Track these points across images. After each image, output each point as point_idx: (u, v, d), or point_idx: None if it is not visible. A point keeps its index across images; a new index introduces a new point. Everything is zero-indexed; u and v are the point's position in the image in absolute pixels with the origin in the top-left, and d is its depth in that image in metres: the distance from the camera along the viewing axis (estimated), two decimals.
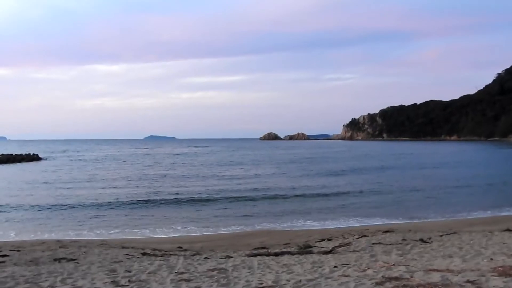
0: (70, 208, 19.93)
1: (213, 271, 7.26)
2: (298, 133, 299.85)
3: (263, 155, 74.42)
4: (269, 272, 6.96)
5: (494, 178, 32.92)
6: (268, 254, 9.44)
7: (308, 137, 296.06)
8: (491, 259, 7.82)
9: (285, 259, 8.71)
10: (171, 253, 10.68)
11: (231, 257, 9.41)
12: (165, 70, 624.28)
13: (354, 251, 9.82)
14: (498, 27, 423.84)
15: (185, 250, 11.59)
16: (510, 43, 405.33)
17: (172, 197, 23.10)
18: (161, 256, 9.84)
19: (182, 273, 7.16)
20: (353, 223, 16.57)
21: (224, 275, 6.78)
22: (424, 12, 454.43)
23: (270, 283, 6.02)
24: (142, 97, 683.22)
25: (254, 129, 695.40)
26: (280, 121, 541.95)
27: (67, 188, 27.53)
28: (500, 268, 6.02)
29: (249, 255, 9.41)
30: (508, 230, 12.48)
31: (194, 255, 10.20)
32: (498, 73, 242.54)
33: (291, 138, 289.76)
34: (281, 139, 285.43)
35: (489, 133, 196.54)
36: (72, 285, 6.29)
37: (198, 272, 7.17)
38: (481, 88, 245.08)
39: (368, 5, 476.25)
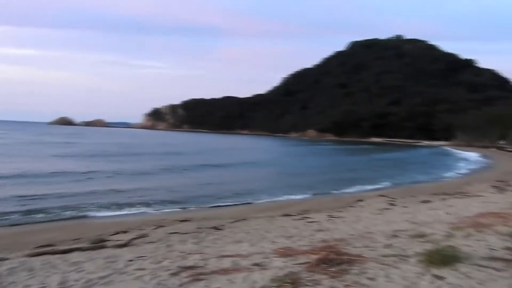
0: None
1: None
2: (96, 119, 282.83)
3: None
4: (55, 273, 6.26)
5: (279, 168, 37.52)
6: (54, 252, 8.53)
7: (107, 124, 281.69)
8: (273, 242, 8.81)
9: (74, 256, 8.00)
10: None
11: (7, 259, 8.15)
12: None
13: (150, 242, 9.73)
14: (288, 36, 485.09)
15: None
16: (296, 51, 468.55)
17: None
18: None
19: None
20: (150, 213, 16.36)
21: None
22: (234, 11, 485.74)
23: (54, 285, 5.42)
24: None
25: (41, 111, 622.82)
26: (74, 105, 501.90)
27: None
28: (280, 250, 6.80)
29: (31, 255, 8.32)
30: (287, 215, 14.33)
31: None
32: (284, 77, 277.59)
33: (88, 124, 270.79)
34: (76, 124, 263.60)
35: (275, 129, 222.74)
36: None
37: None
38: (271, 89, 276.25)
39: None
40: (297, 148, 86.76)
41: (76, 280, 5.64)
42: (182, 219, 13.78)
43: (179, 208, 17.39)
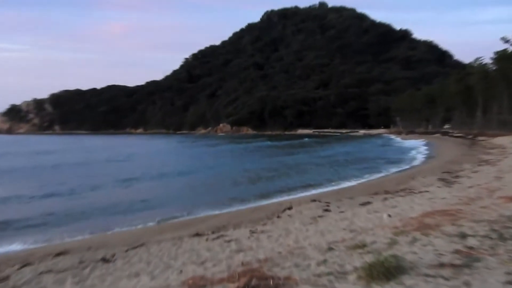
0: None
1: None
2: None
3: None
4: None
5: (190, 176, 37.11)
6: None
7: None
8: (181, 271, 8.71)
9: None
10: None
11: None
12: None
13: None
14: (190, 8, 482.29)
15: None
16: (199, 25, 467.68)
17: None
18: None
19: None
20: (11, 248, 15.34)
21: None
22: None
23: None
24: None
25: None
26: None
27: None
28: (190, 281, 6.73)
29: None
30: (197, 234, 14.25)
31: None
32: (186, 58, 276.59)
33: None
34: None
35: (178, 125, 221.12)
36: None
37: None
38: (169, 73, 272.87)
39: None
40: (214, 148, 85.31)
41: None
42: (58, 252, 13.12)
43: (54, 238, 16.54)
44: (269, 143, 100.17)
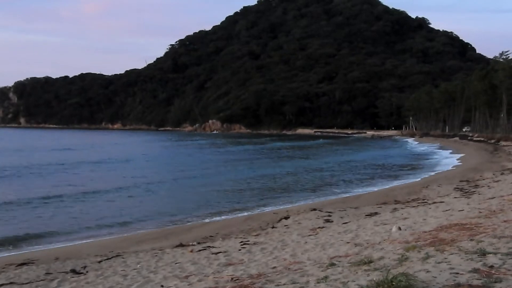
0: None
1: None
2: None
3: None
4: None
5: (164, 179, 37.06)
6: None
7: None
8: (162, 286, 8.74)
9: None
10: None
11: None
12: None
13: None
14: None
15: None
16: (187, 6, 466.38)
17: None
18: None
19: None
20: None
21: None
22: None
23: None
24: None
25: None
26: None
27: None
28: None
29: None
30: (181, 245, 14.27)
31: None
32: (171, 44, 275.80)
33: None
34: None
35: (160, 121, 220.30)
36: None
37: None
38: (152, 62, 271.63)
39: None
40: (210, 150, 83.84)
41: None
42: (21, 262, 13.12)
43: (17, 247, 16.54)
44: (277, 144, 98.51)
